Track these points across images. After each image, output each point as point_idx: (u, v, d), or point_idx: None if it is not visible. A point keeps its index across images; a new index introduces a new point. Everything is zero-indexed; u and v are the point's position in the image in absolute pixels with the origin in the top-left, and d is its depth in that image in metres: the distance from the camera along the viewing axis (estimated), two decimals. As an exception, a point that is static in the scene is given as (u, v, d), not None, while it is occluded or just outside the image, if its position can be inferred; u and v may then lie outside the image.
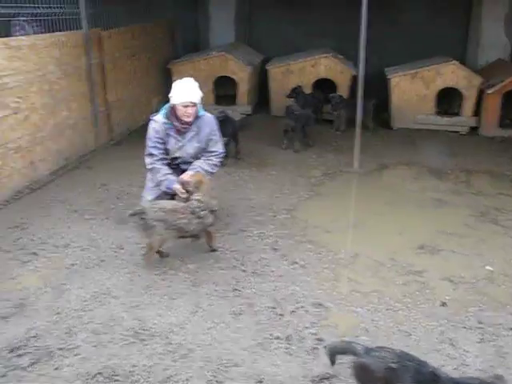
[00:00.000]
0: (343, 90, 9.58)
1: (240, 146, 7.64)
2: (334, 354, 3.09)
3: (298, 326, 3.82)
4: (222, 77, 9.94)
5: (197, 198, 4.66)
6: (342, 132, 8.95)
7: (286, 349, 3.58)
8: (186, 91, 5.02)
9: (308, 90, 9.46)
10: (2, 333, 3.70)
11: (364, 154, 7.03)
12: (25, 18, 6.86)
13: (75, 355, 3.49)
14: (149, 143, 5.16)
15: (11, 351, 3.51)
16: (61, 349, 3.55)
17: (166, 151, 5.21)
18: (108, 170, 7.07)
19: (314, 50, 10.26)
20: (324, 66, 9.81)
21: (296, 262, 4.72)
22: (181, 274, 4.51)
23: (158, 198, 5.10)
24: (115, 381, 3.27)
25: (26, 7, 6.42)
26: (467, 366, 3.43)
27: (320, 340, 3.65)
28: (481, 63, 10.67)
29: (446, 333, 3.77)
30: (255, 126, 9.26)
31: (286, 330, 3.77)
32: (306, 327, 3.81)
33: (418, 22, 11.05)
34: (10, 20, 6.72)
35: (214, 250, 4.86)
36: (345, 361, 3.21)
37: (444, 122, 9.22)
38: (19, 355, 3.48)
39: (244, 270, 4.57)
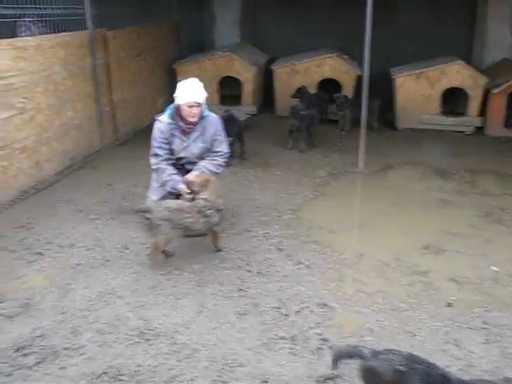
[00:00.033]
0: (348, 90, 9.56)
1: (245, 146, 7.64)
2: (339, 358, 3.06)
3: (303, 326, 3.81)
4: (226, 77, 9.94)
5: (203, 196, 4.66)
6: (346, 132, 8.94)
7: (291, 349, 3.58)
8: (190, 91, 5.02)
9: (313, 90, 9.43)
10: (8, 332, 3.71)
11: (369, 154, 7.05)
12: (30, 19, 6.88)
13: (80, 355, 3.50)
14: (154, 143, 5.17)
15: (17, 351, 3.52)
16: (66, 348, 3.56)
17: (171, 151, 5.22)
18: (113, 170, 7.08)
19: (318, 50, 10.24)
20: (329, 66, 9.80)
21: (301, 262, 4.71)
22: (186, 273, 4.51)
23: (163, 198, 5.09)
24: (120, 380, 3.28)
25: (32, 8, 6.44)
26: (472, 366, 3.41)
27: (325, 340, 3.65)
28: (486, 63, 10.63)
29: (450, 333, 3.75)
30: (260, 126, 9.26)
31: (291, 330, 3.77)
32: (311, 327, 3.80)
33: (422, 22, 11.05)
34: (15, 21, 6.75)
35: (219, 250, 4.86)
36: (350, 361, 3.18)
37: (449, 121, 9.18)
38: (25, 355, 3.49)
39: (249, 270, 4.57)
